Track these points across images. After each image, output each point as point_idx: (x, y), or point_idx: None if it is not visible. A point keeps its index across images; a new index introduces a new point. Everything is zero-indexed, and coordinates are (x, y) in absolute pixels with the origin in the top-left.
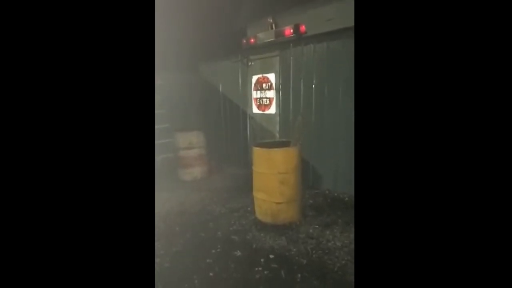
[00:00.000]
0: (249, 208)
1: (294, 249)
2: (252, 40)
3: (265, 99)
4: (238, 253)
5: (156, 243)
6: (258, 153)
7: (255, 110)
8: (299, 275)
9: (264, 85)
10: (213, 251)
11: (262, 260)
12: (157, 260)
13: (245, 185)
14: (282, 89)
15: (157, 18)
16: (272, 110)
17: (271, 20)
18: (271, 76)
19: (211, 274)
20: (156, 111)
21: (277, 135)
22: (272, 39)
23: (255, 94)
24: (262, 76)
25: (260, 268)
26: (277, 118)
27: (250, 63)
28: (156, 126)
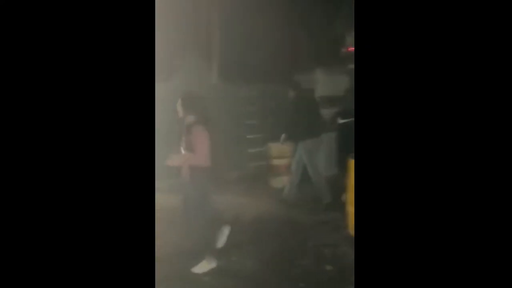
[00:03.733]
0: (340, 222)
1: None
2: (352, 49)
3: None
4: (329, 267)
5: (243, 249)
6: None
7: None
8: None
9: None
10: (303, 262)
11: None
12: (243, 265)
13: (338, 197)
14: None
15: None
16: None
17: None
18: None
19: (301, 285)
20: (249, 122)
21: None
22: None
23: None
24: None
25: (352, 287)
26: None
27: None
28: (249, 136)
